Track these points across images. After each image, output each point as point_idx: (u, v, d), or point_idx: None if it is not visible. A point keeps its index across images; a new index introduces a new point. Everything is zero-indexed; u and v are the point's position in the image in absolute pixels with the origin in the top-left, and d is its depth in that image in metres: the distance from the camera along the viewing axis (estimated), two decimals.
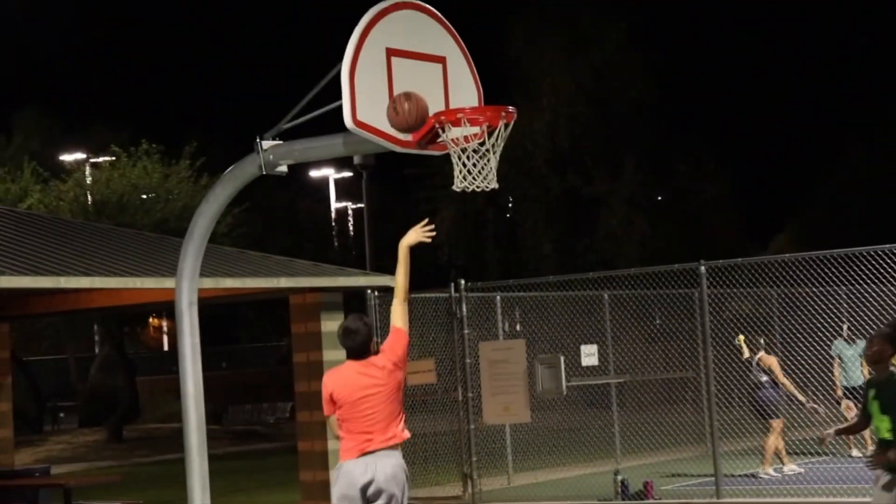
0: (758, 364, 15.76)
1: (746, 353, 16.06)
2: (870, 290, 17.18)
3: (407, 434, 7.55)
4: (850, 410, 16.31)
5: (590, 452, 18.33)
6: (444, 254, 38.19)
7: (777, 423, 15.53)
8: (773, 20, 52.91)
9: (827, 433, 8.24)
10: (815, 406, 15.54)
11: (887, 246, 14.09)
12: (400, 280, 7.50)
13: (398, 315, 7.52)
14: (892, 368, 7.91)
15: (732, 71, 49.98)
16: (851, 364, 16.92)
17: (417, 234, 7.51)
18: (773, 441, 15.57)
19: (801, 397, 15.50)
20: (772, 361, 15.73)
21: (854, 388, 16.70)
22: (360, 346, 7.46)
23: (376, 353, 7.55)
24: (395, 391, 7.47)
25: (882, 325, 8.35)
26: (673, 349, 20.07)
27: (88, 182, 30.80)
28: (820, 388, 19.21)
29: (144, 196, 29.39)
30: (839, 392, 16.82)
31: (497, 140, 7.39)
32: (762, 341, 16.04)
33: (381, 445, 7.42)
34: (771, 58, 52.07)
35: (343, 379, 7.50)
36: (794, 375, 19.68)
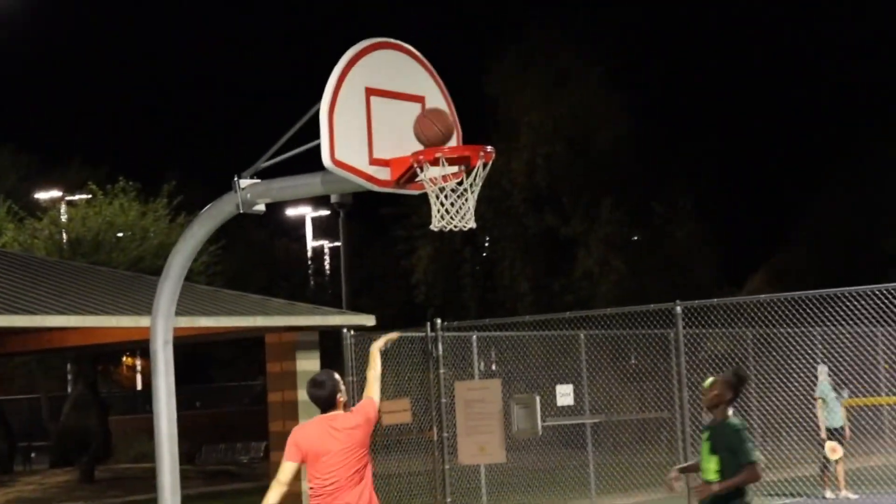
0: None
1: None
2: (844, 331, 17.28)
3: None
4: (835, 452, 16.29)
5: (565, 493, 18.27)
6: (421, 293, 38.16)
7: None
8: (749, 63, 53.41)
9: (671, 475, 8.26)
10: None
11: (861, 287, 14.18)
12: (370, 376, 7.67)
13: (373, 389, 7.63)
14: (729, 413, 8.00)
15: (709, 113, 50.39)
16: (834, 406, 16.90)
17: (386, 339, 7.87)
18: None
19: None
20: None
21: (837, 429, 16.70)
22: (326, 398, 7.44)
23: (346, 411, 7.54)
24: (358, 448, 7.37)
25: (735, 369, 8.42)
26: (648, 389, 20.08)
27: (64, 220, 30.69)
28: (794, 427, 19.25)
29: (120, 234, 29.28)
30: (823, 433, 16.75)
31: (475, 180, 7.41)
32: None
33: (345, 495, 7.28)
34: (746, 101, 52.54)
35: (310, 431, 7.49)
36: (768, 415, 19.73)
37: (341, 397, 7.47)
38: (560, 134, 37.36)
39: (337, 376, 7.55)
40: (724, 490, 7.64)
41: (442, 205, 7.38)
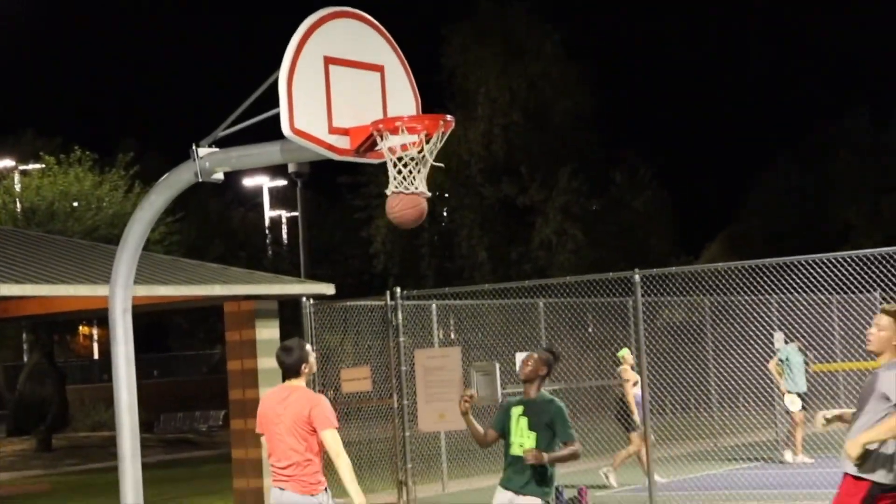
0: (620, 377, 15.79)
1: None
2: (800, 299, 17.46)
3: (316, 485, 7.52)
4: (795, 403, 16.59)
5: None
6: (380, 262, 38.17)
7: (635, 436, 15.53)
8: (707, 37, 53.69)
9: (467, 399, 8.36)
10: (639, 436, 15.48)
11: (816, 256, 14.33)
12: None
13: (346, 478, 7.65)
14: (543, 390, 8.17)
15: (667, 83, 50.59)
16: (798, 371, 17.12)
17: None
18: (627, 453, 15.66)
19: (636, 417, 15.41)
20: (625, 376, 15.64)
21: (802, 394, 16.95)
22: (291, 365, 7.57)
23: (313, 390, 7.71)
24: (299, 426, 7.42)
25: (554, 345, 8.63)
26: (606, 356, 20.22)
27: (17, 189, 30.39)
28: (751, 393, 19.46)
29: (76, 203, 29.06)
30: (783, 387, 16.95)
31: (434, 147, 7.41)
32: (622, 354, 15.75)
33: (282, 483, 7.47)
34: (704, 72, 52.82)
35: (269, 395, 7.72)
36: (726, 382, 19.93)
37: (305, 368, 7.59)
38: (517, 104, 37.38)
39: (308, 347, 7.68)
40: (552, 462, 7.97)
41: (399, 172, 7.39)
